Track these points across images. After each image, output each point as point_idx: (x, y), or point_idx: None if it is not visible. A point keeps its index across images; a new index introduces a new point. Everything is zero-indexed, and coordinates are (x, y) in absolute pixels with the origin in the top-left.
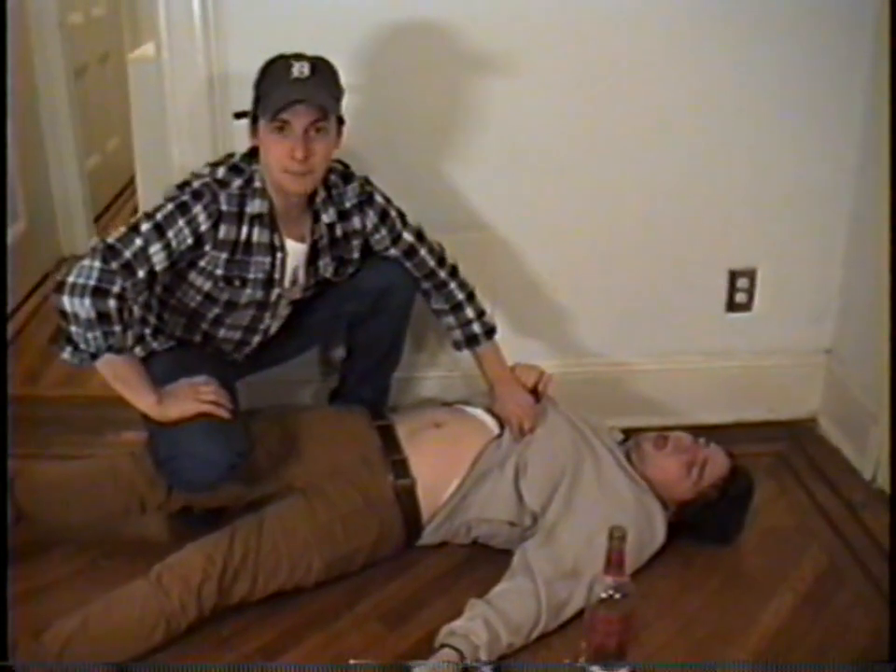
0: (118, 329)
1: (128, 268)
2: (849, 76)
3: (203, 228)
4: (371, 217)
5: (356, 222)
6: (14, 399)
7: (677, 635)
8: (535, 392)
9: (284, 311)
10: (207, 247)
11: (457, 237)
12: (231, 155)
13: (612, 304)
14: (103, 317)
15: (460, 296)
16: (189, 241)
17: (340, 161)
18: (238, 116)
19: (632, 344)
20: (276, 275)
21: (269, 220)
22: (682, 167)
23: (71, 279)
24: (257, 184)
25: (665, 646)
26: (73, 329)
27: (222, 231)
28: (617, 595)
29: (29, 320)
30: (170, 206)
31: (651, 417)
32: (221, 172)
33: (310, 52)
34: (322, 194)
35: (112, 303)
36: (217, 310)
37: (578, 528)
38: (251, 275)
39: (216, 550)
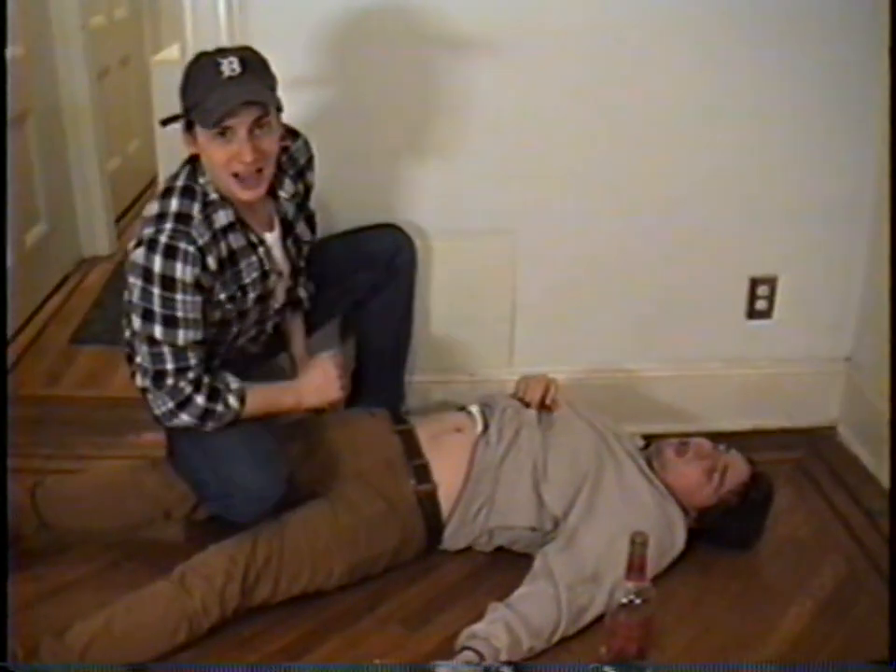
0: (220, 407)
1: (181, 372)
2: (870, 88)
3: (196, 276)
4: (314, 169)
5: (309, 177)
6: (35, 400)
7: (696, 640)
8: (544, 406)
9: (282, 290)
10: (208, 285)
11: (479, 241)
12: (174, 176)
13: (633, 310)
14: (206, 412)
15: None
16: (199, 297)
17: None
18: (165, 122)
19: (652, 351)
20: (267, 267)
21: (239, 225)
22: (705, 174)
23: (157, 412)
24: (212, 196)
25: (684, 651)
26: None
27: (210, 262)
28: (638, 601)
29: (50, 321)
30: (156, 291)
31: (670, 424)
32: (174, 204)
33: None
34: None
35: (200, 399)
36: (233, 329)
37: (599, 533)
38: (247, 280)
39: (239, 551)
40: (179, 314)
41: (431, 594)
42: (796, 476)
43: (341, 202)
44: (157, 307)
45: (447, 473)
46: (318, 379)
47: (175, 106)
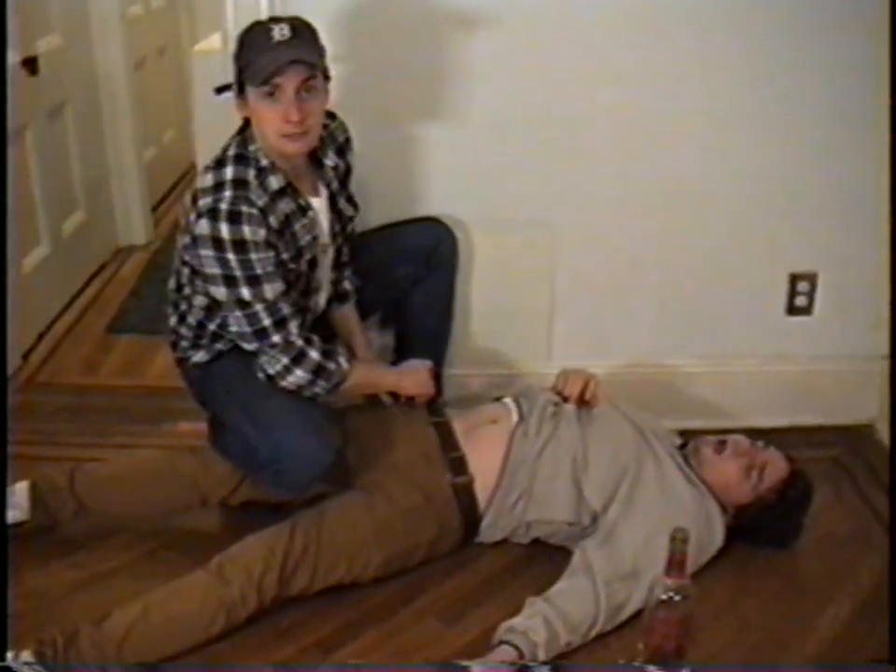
0: (332, 365)
1: (279, 325)
2: None
3: (264, 236)
4: (353, 151)
5: (349, 157)
6: (72, 389)
7: (733, 638)
8: (583, 401)
9: (328, 265)
10: (274, 243)
11: (517, 236)
12: (224, 148)
13: (672, 305)
14: (320, 368)
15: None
16: (271, 253)
17: None
18: (220, 90)
19: (690, 346)
20: (317, 232)
21: (290, 189)
22: (746, 168)
23: (271, 372)
24: (263, 162)
25: (721, 649)
26: (313, 391)
27: (272, 221)
28: (677, 597)
29: (87, 309)
30: (231, 256)
31: (707, 419)
32: (230, 171)
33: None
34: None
35: (314, 353)
36: (294, 294)
37: (638, 528)
38: (302, 242)
39: (277, 542)
40: (259, 271)
41: (468, 587)
42: (834, 474)
43: (379, 195)
44: (237, 271)
45: (483, 465)
46: (419, 373)
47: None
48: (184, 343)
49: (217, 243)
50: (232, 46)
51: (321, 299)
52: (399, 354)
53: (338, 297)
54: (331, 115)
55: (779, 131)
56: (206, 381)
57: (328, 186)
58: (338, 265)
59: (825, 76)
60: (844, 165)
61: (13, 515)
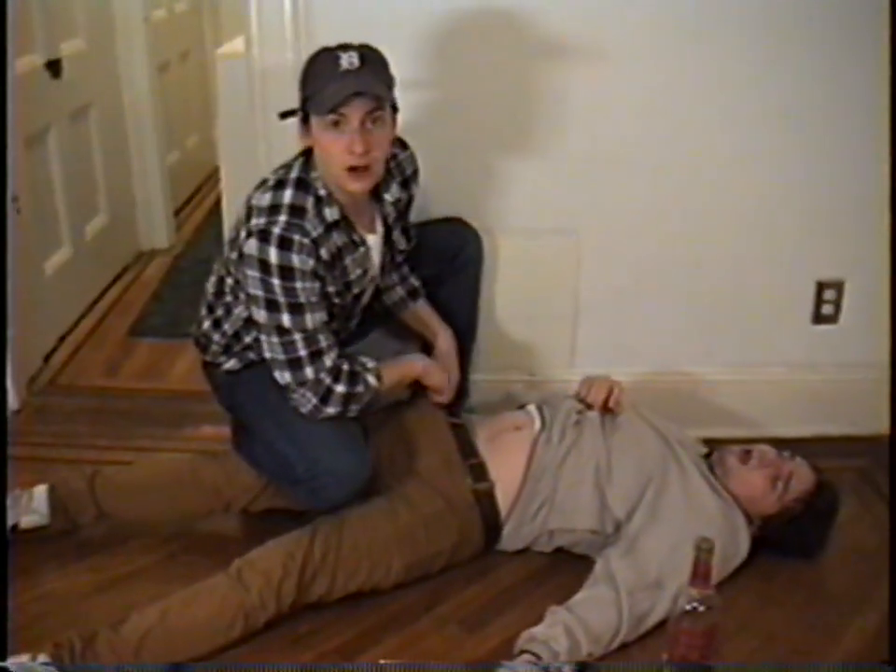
0: (360, 388)
1: (315, 357)
2: None
3: (313, 266)
4: (419, 183)
5: (413, 189)
6: (93, 391)
7: (758, 650)
8: (607, 409)
9: (370, 292)
10: (322, 274)
11: (542, 242)
12: (287, 168)
13: (696, 313)
14: (349, 397)
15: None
16: (317, 283)
17: None
18: (284, 116)
19: (715, 354)
20: (367, 266)
21: (345, 223)
22: (773, 177)
23: (303, 411)
24: (322, 192)
25: (746, 660)
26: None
27: (324, 253)
28: (702, 608)
29: (108, 312)
30: (276, 281)
31: (732, 428)
32: (288, 195)
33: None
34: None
35: (340, 388)
36: (335, 325)
37: (662, 538)
38: (352, 276)
39: (297, 547)
40: (302, 299)
41: (489, 594)
42: (860, 485)
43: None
44: (280, 297)
45: (505, 471)
46: (448, 373)
47: (240, 100)
48: (214, 348)
49: (263, 266)
50: (256, 50)
51: (357, 321)
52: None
53: (409, 294)
54: (403, 144)
55: (805, 139)
56: (236, 388)
57: (384, 220)
58: (395, 266)
59: (853, 84)
60: (871, 173)
61: (32, 520)
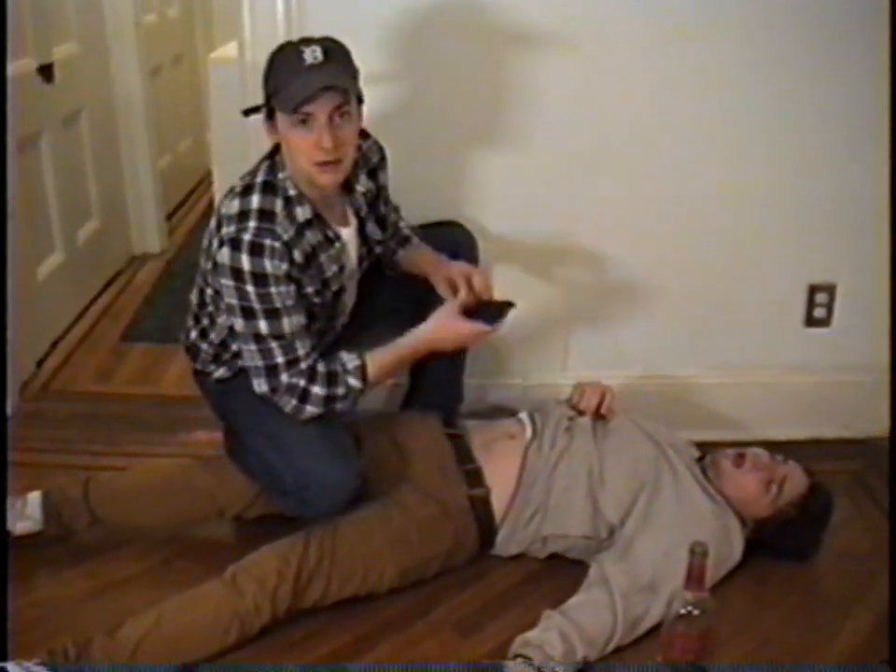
0: (340, 390)
1: (291, 364)
2: None
3: (286, 270)
4: (387, 170)
5: (381, 177)
6: (86, 396)
7: (752, 652)
8: (599, 415)
9: (354, 288)
10: (297, 276)
11: (535, 246)
12: (252, 173)
13: (689, 316)
14: (328, 398)
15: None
16: (292, 286)
17: None
18: (247, 112)
19: (708, 357)
20: (344, 261)
21: (317, 221)
22: (764, 180)
23: (288, 411)
24: (291, 192)
25: (741, 663)
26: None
27: (297, 255)
28: (696, 611)
29: (101, 318)
30: (250, 288)
31: (725, 432)
32: (256, 200)
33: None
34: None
35: (317, 389)
36: (318, 324)
37: (656, 542)
38: (328, 274)
39: (291, 553)
40: (278, 304)
41: (484, 599)
42: (854, 487)
43: (403, 198)
44: (255, 304)
45: (499, 478)
46: (454, 326)
47: (232, 104)
48: (204, 357)
49: (236, 273)
50: (249, 54)
51: (343, 320)
52: (414, 385)
53: (399, 243)
54: (365, 134)
55: (798, 142)
56: (226, 396)
57: (357, 213)
58: (383, 228)
59: (845, 87)
60: (864, 177)
61: (26, 526)
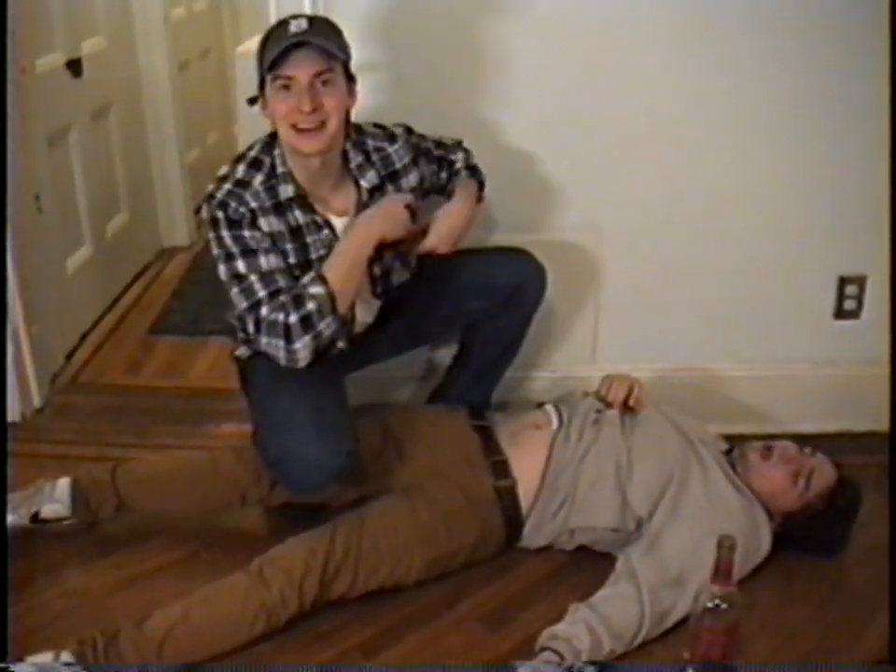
0: (311, 305)
1: (273, 296)
2: None
3: (249, 222)
4: (429, 166)
5: (412, 179)
6: (115, 389)
7: (780, 647)
8: (627, 407)
9: (365, 293)
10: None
11: (564, 239)
12: (251, 147)
13: (718, 309)
14: (305, 320)
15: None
16: (269, 240)
17: (375, 124)
18: (252, 101)
19: (737, 350)
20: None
21: (302, 201)
22: (794, 172)
23: (285, 363)
24: (280, 169)
25: (768, 659)
26: (330, 332)
27: (264, 224)
28: (724, 605)
29: (130, 310)
30: (225, 233)
31: (753, 425)
32: (241, 170)
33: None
34: (358, 159)
35: (292, 317)
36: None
37: (684, 535)
38: (314, 255)
39: (318, 545)
40: (253, 244)
41: (511, 592)
42: (883, 481)
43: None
44: (232, 247)
45: (526, 469)
46: (385, 205)
47: None
48: (239, 336)
49: (213, 223)
50: None
51: (355, 328)
52: (454, 365)
53: (451, 177)
54: (392, 137)
55: (827, 133)
56: (246, 375)
57: (361, 210)
58: (383, 275)
59: (873, 77)
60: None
61: (54, 509)
